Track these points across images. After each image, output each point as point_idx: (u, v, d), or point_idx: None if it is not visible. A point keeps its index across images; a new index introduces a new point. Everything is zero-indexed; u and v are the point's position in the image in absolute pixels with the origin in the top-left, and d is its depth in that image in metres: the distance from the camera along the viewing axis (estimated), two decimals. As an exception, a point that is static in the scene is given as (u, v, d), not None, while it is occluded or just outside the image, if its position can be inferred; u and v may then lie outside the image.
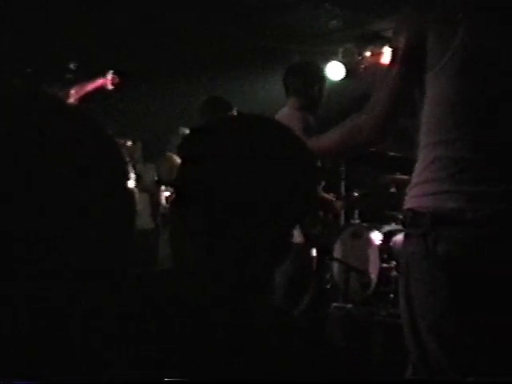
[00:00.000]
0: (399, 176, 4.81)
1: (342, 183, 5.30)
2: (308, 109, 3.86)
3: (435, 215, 1.87)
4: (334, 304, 4.51)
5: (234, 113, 4.42)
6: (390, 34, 6.36)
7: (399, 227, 4.98)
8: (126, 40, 5.68)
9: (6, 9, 4.94)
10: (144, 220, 5.81)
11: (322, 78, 3.95)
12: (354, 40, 6.41)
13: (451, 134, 1.91)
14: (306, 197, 1.23)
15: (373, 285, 4.72)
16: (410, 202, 1.97)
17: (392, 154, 3.38)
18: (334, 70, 6.47)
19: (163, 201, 5.59)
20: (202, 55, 6.00)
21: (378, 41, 6.23)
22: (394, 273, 4.73)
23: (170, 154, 5.30)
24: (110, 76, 4.72)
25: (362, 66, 6.36)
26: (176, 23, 5.67)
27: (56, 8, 5.13)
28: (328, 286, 4.95)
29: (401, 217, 5.32)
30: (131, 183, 5.74)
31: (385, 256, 4.80)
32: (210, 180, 1.17)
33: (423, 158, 1.96)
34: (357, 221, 5.20)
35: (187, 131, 5.07)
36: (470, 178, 1.87)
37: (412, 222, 1.92)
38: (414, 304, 1.92)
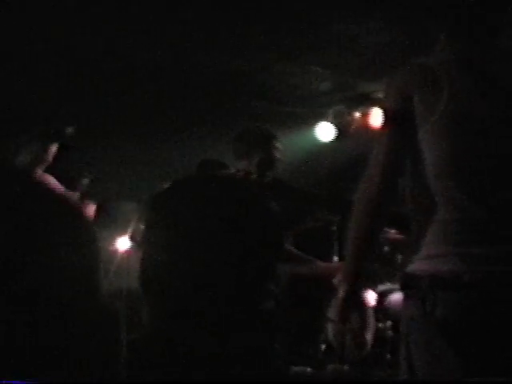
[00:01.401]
0: (393, 235, 4.82)
1: (336, 243, 5.30)
2: (255, 172, 3.89)
3: (433, 278, 1.87)
4: (330, 365, 4.46)
5: None
6: (378, 95, 6.48)
7: (394, 286, 4.97)
8: (119, 101, 5.74)
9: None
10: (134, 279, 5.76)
11: (267, 140, 3.98)
12: (343, 102, 6.51)
13: (445, 196, 1.93)
14: (269, 248, 1.24)
15: (368, 345, 4.68)
16: (410, 265, 1.97)
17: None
18: (325, 131, 6.54)
19: None
20: (192, 117, 6.06)
21: (367, 102, 6.32)
22: (390, 333, 4.70)
23: None
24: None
25: (353, 127, 6.44)
26: (165, 85, 5.75)
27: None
28: (323, 347, 4.89)
29: (395, 275, 5.31)
30: (126, 244, 5.71)
31: (380, 316, 4.78)
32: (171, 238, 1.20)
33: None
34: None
35: None
36: (465, 239, 1.88)
37: (411, 285, 1.93)
38: (415, 367, 1.90)
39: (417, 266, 1.93)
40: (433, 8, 2.10)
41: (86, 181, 4.43)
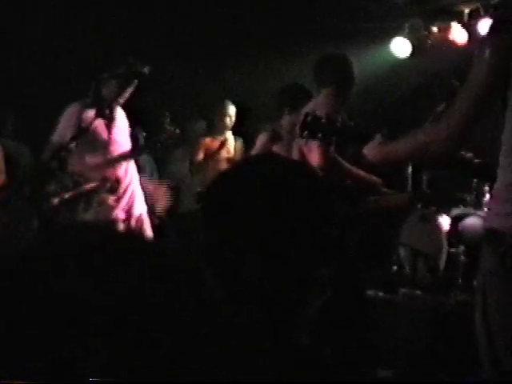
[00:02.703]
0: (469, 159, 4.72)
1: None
2: (338, 96, 3.86)
3: None
4: (403, 290, 4.50)
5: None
6: (457, 8, 6.20)
7: (468, 210, 4.91)
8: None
9: None
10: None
11: (348, 66, 3.92)
12: (420, 15, 6.25)
13: None
14: (325, 236, 1.24)
15: (441, 270, 4.69)
16: (489, 219, 1.95)
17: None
18: (400, 47, 6.32)
19: None
20: (264, 39, 5.95)
21: (446, 16, 6.07)
22: (463, 258, 4.69)
23: None
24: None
25: (429, 42, 6.21)
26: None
27: None
28: (394, 269, 4.93)
29: (469, 199, 5.23)
30: None
31: (453, 241, 4.76)
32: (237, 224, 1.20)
33: (504, 177, 1.93)
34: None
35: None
36: None
37: (491, 240, 1.91)
38: (490, 321, 1.91)
39: (499, 221, 1.90)
40: None
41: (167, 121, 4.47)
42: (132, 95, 4.35)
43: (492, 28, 1.99)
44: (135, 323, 0.84)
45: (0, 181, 4.39)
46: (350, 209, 3.75)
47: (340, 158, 3.61)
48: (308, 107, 3.73)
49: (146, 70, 4.12)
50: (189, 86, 6.06)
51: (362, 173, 3.68)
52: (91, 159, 4.39)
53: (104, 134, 4.39)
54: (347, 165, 3.62)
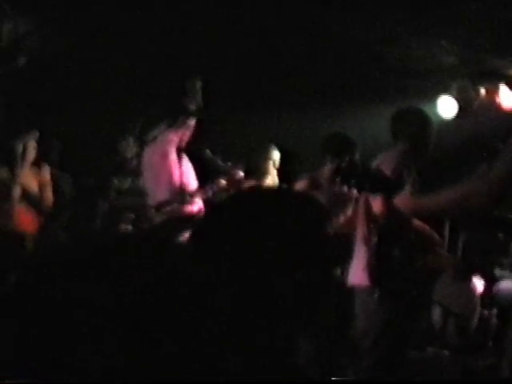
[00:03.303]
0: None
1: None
2: (414, 151, 3.84)
3: None
4: (430, 348, 4.44)
5: (357, 153, 4.38)
6: (506, 71, 6.22)
7: (504, 273, 4.86)
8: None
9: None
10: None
11: (428, 123, 3.94)
12: (468, 76, 6.28)
13: None
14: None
15: (471, 331, 4.63)
16: None
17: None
18: (447, 106, 6.35)
19: None
20: (313, 88, 6.05)
21: (494, 78, 6.09)
22: (495, 321, 4.63)
23: None
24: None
25: (476, 104, 6.22)
26: (292, 54, 5.77)
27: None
28: (423, 326, 4.87)
29: (505, 261, 5.17)
30: None
31: (486, 303, 4.71)
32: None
33: None
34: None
35: None
36: None
37: None
38: None
39: None
40: None
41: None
42: (194, 137, 4.37)
43: None
44: (135, 325, 0.86)
45: (49, 208, 4.46)
46: (407, 263, 3.68)
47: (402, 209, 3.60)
48: (379, 158, 3.78)
49: (193, 107, 4.17)
50: (234, 129, 6.15)
51: (423, 226, 3.60)
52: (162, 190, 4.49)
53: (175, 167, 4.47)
54: (409, 216, 3.55)
